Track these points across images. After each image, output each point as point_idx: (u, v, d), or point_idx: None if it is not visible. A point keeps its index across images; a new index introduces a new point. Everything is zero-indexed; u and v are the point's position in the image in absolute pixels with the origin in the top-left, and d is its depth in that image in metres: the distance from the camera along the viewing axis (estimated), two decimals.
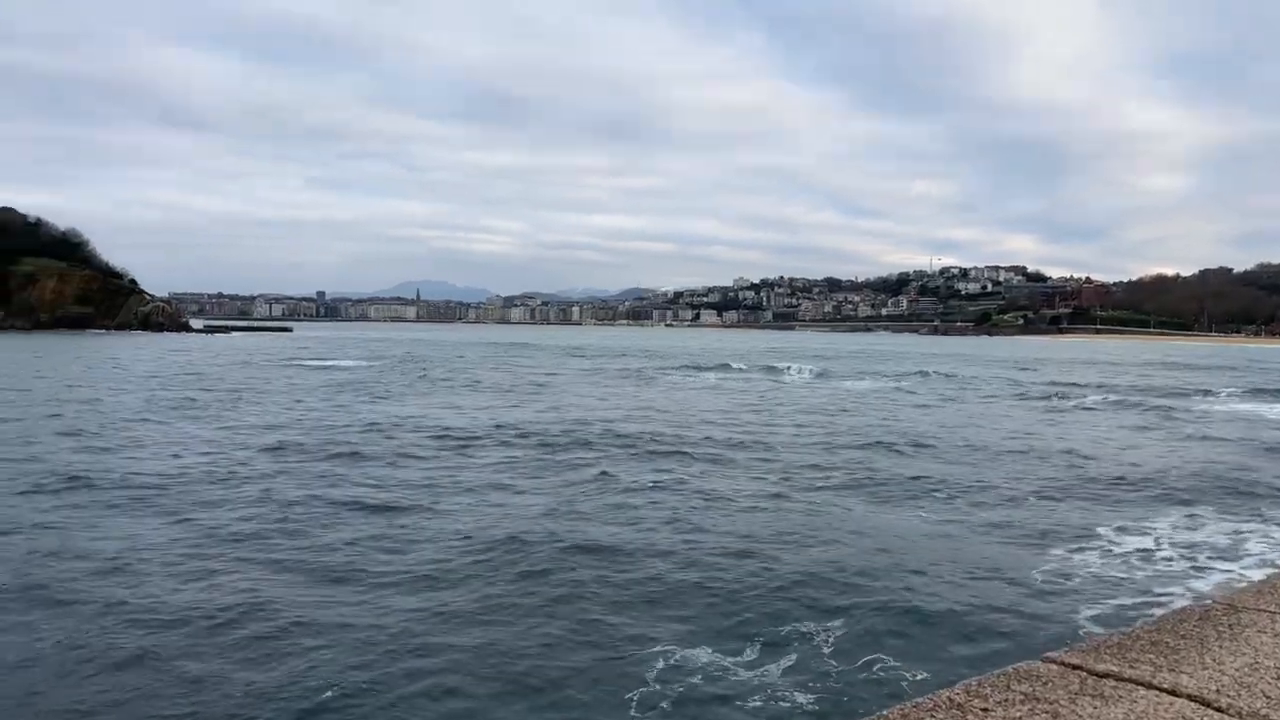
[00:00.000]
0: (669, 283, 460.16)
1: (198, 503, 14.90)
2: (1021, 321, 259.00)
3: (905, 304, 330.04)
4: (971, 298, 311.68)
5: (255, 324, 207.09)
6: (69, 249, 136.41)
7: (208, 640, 8.85)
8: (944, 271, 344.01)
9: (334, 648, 8.70)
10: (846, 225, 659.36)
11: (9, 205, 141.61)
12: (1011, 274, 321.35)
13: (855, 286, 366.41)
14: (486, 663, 8.45)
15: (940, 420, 30.17)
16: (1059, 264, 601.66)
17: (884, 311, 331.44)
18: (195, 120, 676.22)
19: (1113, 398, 40.04)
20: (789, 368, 61.33)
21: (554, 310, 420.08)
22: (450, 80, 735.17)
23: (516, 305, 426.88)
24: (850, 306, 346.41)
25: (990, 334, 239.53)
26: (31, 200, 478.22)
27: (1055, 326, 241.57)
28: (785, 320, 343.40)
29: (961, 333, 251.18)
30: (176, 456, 19.67)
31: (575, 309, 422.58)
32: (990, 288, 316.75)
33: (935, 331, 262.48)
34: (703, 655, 8.63)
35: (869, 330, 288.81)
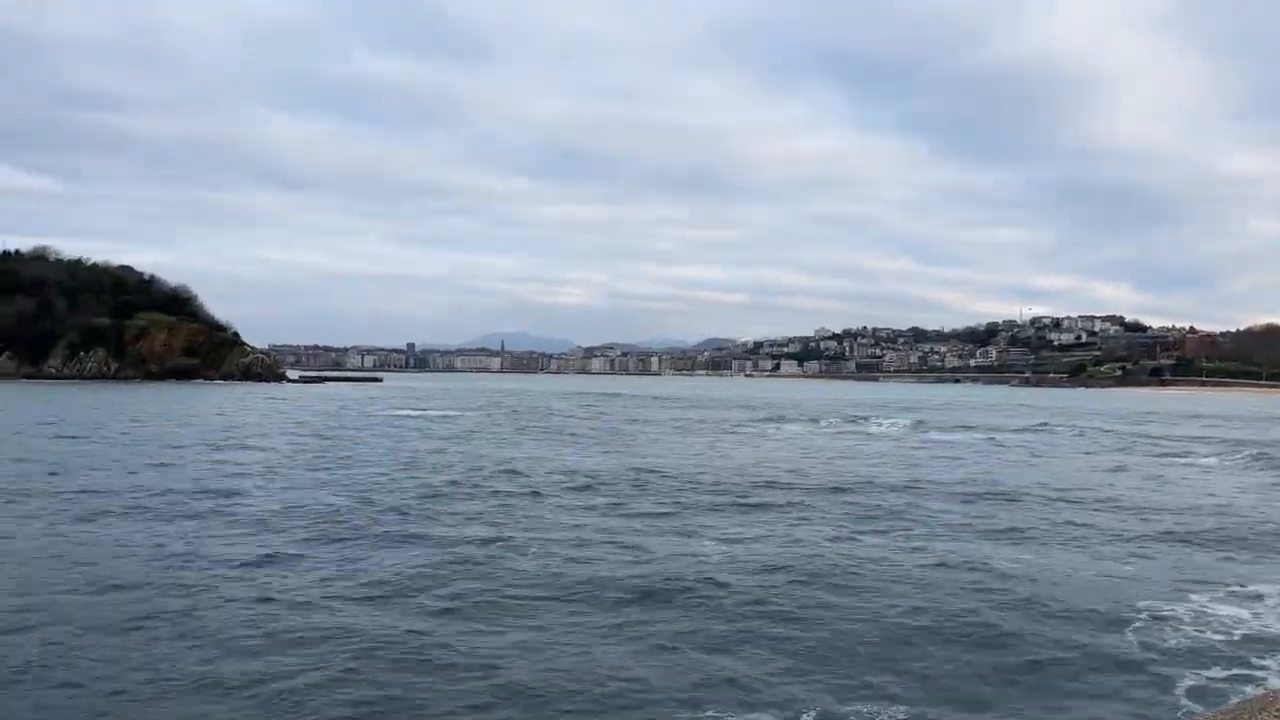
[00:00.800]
0: (747, 333, 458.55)
1: (333, 540, 16.01)
2: (1119, 373, 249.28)
3: (994, 355, 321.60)
4: (1065, 348, 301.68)
5: (348, 375, 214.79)
6: (178, 304, 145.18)
7: (349, 669, 9.66)
8: (1035, 321, 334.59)
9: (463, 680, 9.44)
10: (927, 274, 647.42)
11: (126, 264, 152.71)
12: (1107, 324, 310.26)
13: (941, 337, 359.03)
14: (577, 688, 9.04)
15: (1047, 474, 29.58)
16: (1157, 313, 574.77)
17: (972, 362, 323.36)
18: (295, 180, 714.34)
19: (1229, 454, 38.40)
20: (880, 420, 60.71)
21: (633, 360, 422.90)
22: (533, 138, 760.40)
23: (596, 356, 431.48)
24: (937, 357, 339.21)
25: (1086, 385, 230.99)
26: (146, 259, 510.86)
27: (1156, 378, 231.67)
28: (869, 371, 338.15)
29: (1055, 384, 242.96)
30: (315, 497, 20.95)
31: (654, 359, 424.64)
32: (1085, 338, 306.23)
33: (1027, 383, 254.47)
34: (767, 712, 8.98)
35: (957, 381, 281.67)
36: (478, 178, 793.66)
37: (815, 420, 60.91)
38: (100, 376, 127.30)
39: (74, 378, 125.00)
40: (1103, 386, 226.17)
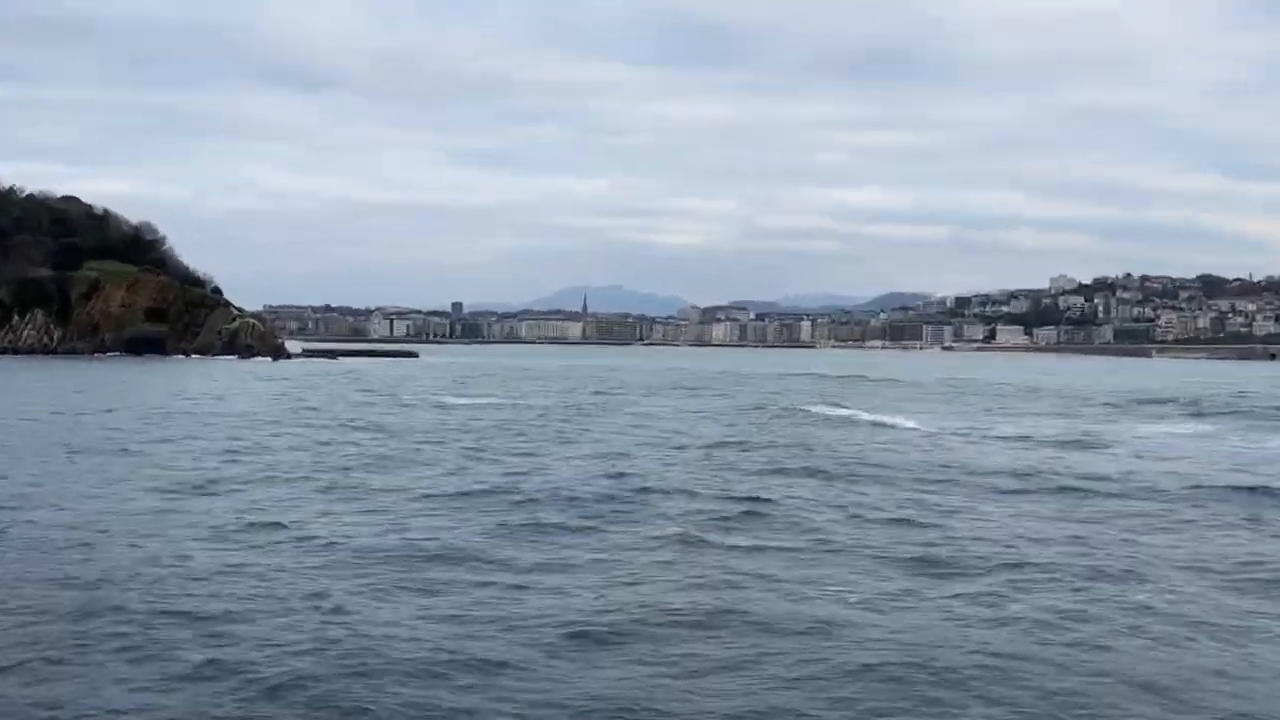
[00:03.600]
0: (945, 285, 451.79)
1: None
2: None
3: None
4: None
5: (371, 347, 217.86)
6: (141, 249, 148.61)
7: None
8: None
9: None
10: (1235, 192, 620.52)
11: (72, 195, 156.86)
12: None
13: (1249, 288, 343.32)
14: None
15: None
16: None
17: None
18: (311, 78, 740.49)
19: None
20: None
21: (773, 327, 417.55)
22: (634, 6, 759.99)
23: (719, 320, 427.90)
24: (1241, 319, 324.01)
25: None
26: (99, 187, 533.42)
27: None
28: (1134, 340, 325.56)
29: None
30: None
31: (805, 324, 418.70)
32: None
33: None
34: None
35: (1273, 358, 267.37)
36: (555, 66, 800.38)
37: None
38: (40, 350, 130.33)
39: (5, 351, 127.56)
40: None
